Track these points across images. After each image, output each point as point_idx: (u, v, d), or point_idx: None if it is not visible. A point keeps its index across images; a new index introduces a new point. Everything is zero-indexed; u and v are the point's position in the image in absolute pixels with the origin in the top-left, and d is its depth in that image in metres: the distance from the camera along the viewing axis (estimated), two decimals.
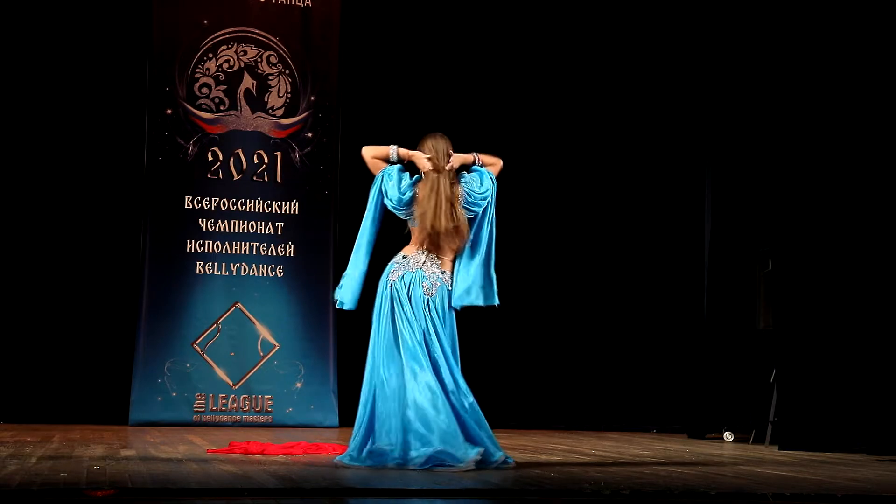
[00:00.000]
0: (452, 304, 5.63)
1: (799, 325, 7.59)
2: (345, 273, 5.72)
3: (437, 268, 5.61)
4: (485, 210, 5.68)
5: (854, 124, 7.63)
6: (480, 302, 5.65)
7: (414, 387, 5.37)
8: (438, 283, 5.59)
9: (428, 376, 5.40)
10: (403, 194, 5.63)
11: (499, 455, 5.43)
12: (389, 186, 5.65)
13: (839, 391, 7.43)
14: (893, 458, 6.75)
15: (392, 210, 5.68)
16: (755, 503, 4.53)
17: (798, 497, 4.55)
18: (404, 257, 5.63)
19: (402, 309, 5.53)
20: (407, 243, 5.72)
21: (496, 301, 5.66)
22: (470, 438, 5.37)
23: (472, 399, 5.48)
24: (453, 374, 5.49)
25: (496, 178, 5.74)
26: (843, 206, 7.58)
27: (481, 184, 5.65)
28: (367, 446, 5.44)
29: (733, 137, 9.25)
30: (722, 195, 9.18)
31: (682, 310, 9.92)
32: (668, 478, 5.18)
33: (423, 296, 5.55)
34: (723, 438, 8.51)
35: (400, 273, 5.59)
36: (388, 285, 5.59)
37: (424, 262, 5.61)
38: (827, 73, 7.74)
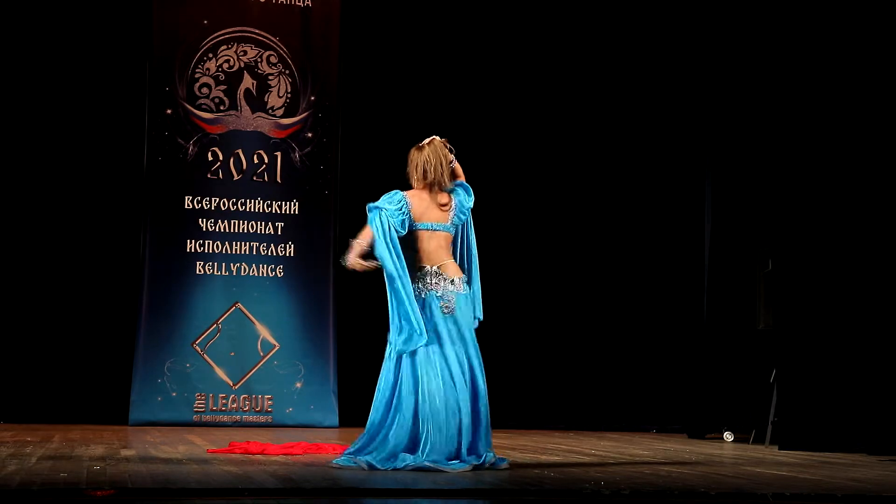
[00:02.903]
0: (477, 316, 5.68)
1: (799, 325, 7.59)
2: (403, 324, 5.47)
3: (445, 280, 5.59)
4: (466, 222, 5.75)
5: (854, 125, 7.63)
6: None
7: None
8: (453, 297, 5.57)
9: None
10: (400, 209, 5.58)
11: (490, 456, 5.42)
12: (388, 208, 5.54)
13: (839, 391, 7.43)
14: (893, 458, 6.75)
15: (398, 230, 5.57)
16: (755, 503, 4.53)
17: (798, 497, 4.54)
18: (414, 283, 5.54)
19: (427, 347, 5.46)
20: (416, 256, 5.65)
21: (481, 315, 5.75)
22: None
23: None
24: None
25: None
26: (842, 206, 7.58)
27: (468, 197, 5.71)
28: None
29: (733, 138, 9.25)
30: (722, 195, 9.18)
31: (682, 310, 9.92)
32: (668, 478, 5.18)
33: (444, 316, 5.53)
34: (723, 438, 8.51)
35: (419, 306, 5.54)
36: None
37: (433, 281, 5.58)
38: (827, 73, 7.74)
